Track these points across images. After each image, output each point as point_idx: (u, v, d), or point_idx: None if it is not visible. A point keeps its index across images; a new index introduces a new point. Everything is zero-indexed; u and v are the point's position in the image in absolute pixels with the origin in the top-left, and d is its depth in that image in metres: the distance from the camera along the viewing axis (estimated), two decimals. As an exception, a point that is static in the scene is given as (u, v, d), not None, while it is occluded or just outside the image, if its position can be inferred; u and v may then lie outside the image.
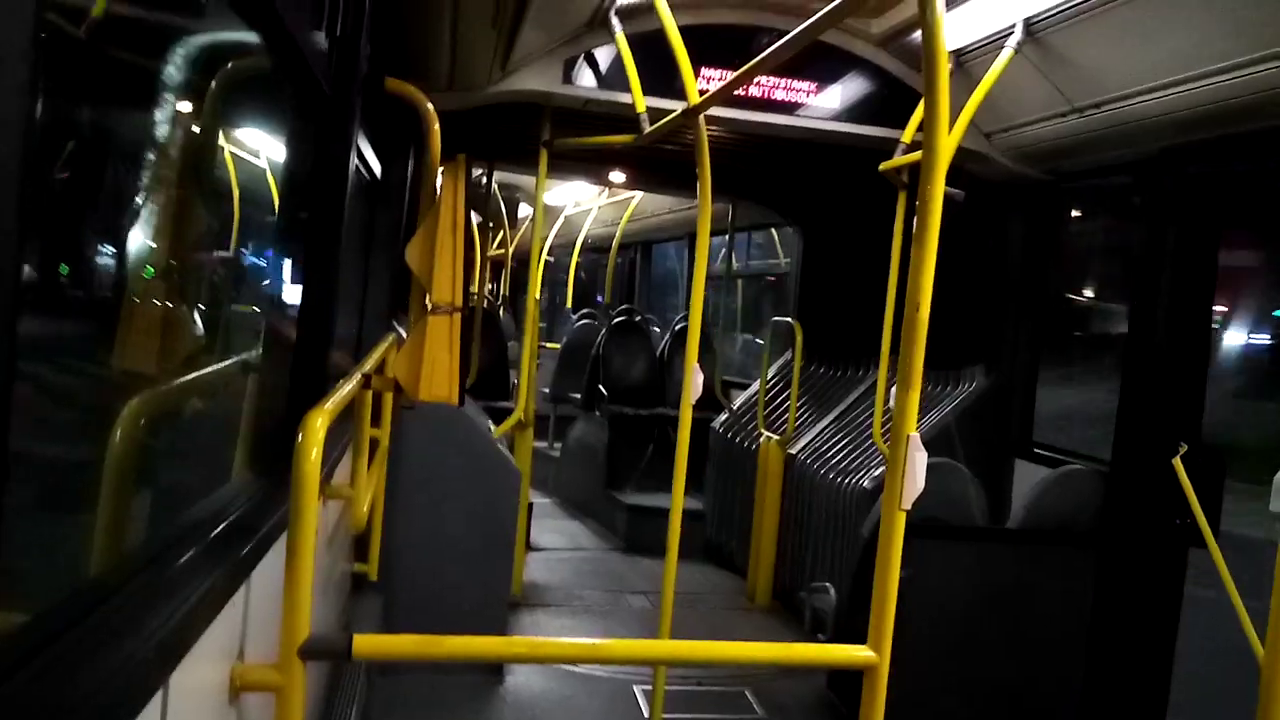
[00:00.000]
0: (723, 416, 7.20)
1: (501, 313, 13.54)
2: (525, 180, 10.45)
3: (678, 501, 3.71)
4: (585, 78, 4.73)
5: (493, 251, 12.98)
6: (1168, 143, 4.17)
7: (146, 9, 1.92)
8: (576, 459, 8.61)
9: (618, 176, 7.69)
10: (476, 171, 7.98)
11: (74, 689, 0.99)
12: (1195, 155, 4.16)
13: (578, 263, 13.45)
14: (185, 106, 2.11)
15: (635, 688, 4.61)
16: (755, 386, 6.92)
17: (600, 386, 8.42)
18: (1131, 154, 4.44)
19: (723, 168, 6.82)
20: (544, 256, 13.02)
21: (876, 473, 5.30)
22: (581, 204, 11.34)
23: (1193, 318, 4.36)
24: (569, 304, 14.53)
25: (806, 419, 6.44)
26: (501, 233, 12.81)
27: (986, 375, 5.49)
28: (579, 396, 8.98)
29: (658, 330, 9.75)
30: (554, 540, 7.39)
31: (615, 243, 11.64)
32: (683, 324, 8.47)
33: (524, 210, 12.95)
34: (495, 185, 10.18)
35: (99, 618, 1.15)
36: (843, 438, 5.95)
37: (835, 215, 6.89)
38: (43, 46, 0.66)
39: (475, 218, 10.02)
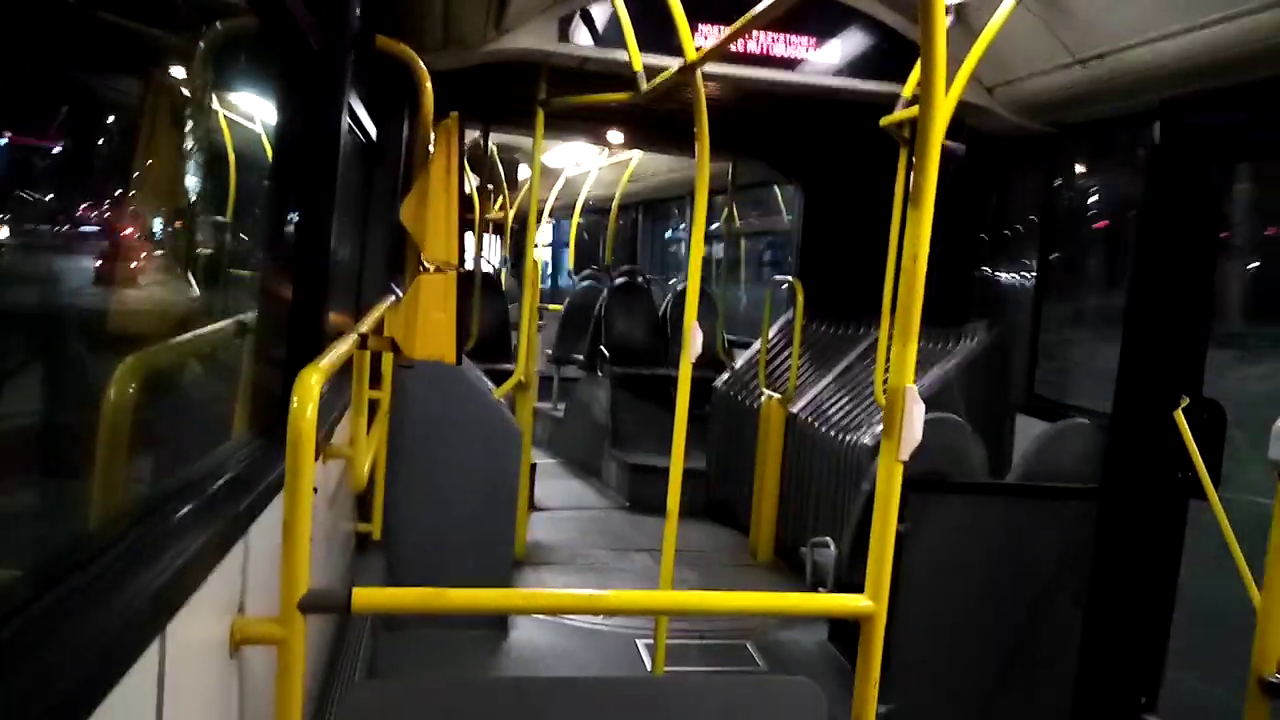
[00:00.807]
0: (724, 376, 7.22)
1: (504, 275, 13.50)
2: (525, 142, 10.36)
3: (677, 460, 3.74)
4: (582, 36, 4.68)
5: (493, 214, 12.91)
6: (1169, 93, 4.13)
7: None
8: (580, 420, 8.65)
9: (616, 136, 7.64)
10: (474, 133, 7.94)
11: (70, 636, 1.02)
12: (1196, 105, 4.12)
13: (579, 224, 13.40)
14: (175, 69, 2.10)
15: (638, 641, 4.68)
16: (757, 345, 6.93)
17: (602, 347, 8.44)
18: (1133, 104, 4.40)
19: (722, 125, 6.76)
20: (546, 218, 12.99)
21: (878, 429, 5.32)
22: (581, 165, 11.27)
23: (1194, 270, 4.34)
24: (571, 265, 14.50)
25: (808, 377, 6.45)
26: (501, 195, 12.74)
27: (989, 330, 5.48)
28: (581, 358, 9.00)
29: (660, 291, 9.76)
30: (558, 500, 7.46)
31: (615, 203, 11.59)
32: (684, 284, 8.46)
33: (524, 172, 12.85)
34: (495, 147, 10.13)
35: (95, 569, 1.17)
36: (844, 395, 5.97)
37: (837, 171, 6.85)
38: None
39: (474, 180, 9.98)
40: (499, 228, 14.64)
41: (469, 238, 11.35)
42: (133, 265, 1.91)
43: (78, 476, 1.52)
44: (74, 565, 1.15)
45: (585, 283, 10.57)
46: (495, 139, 9.44)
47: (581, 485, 8.07)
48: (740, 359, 7.39)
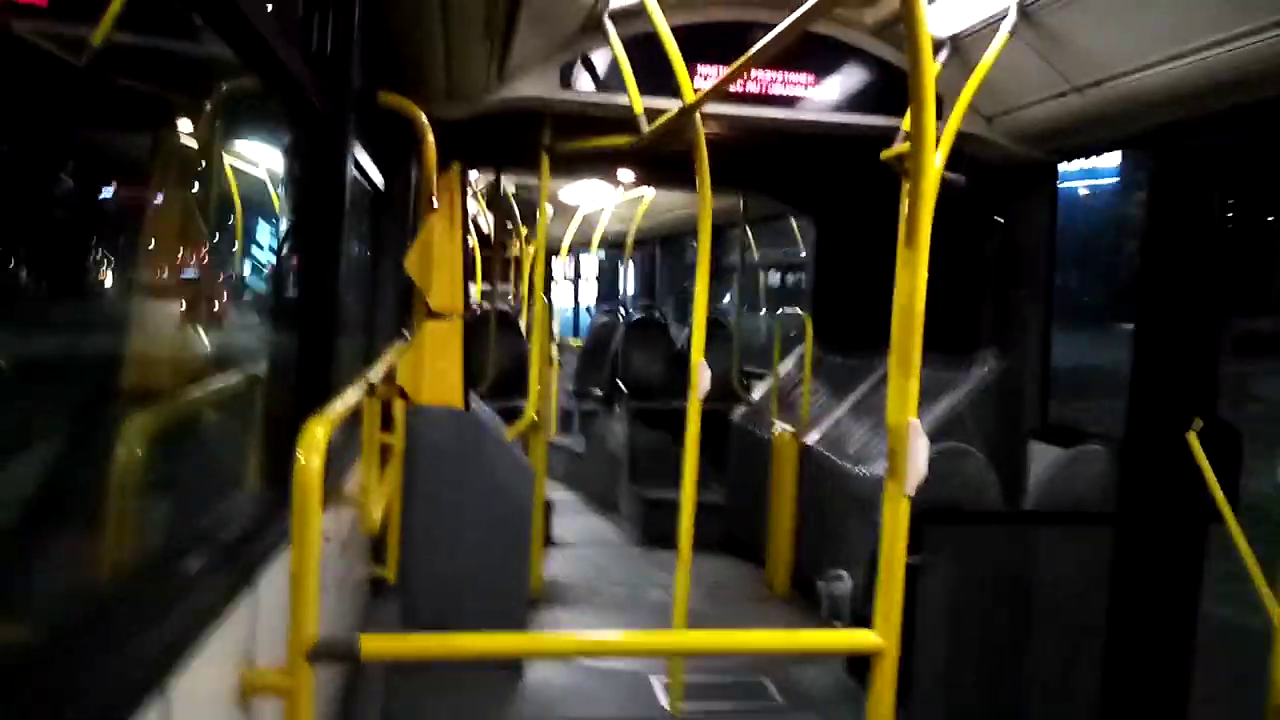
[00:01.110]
0: (740, 409, 7.22)
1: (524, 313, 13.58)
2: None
3: (688, 494, 3.76)
4: (583, 81, 4.77)
5: (513, 252, 13.06)
6: (1168, 118, 4.16)
7: (143, 37, 1.98)
8: (599, 455, 8.67)
9: (627, 175, 7.72)
10: (490, 176, 8.04)
11: (77, 692, 1.04)
12: (1197, 129, 4.15)
13: (599, 260, 13.50)
14: (184, 125, 2.17)
15: (653, 679, 4.65)
16: (769, 380, 6.94)
17: (619, 382, 8.47)
18: (1132, 131, 4.42)
19: (730, 161, 6.82)
20: (564, 254, 13.10)
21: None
22: (598, 202, 11.38)
23: (1203, 291, 4.34)
24: (589, 301, 14.59)
25: (823, 408, 6.45)
26: (516, 235, 12.85)
27: (998, 358, 5.48)
28: (600, 392, 9.04)
29: (678, 325, 9.81)
30: (576, 536, 7.45)
31: (629, 239, 11.68)
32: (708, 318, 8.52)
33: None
34: (514, 187, 10.27)
35: (101, 622, 1.20)
36: (858, 426, 5.96)
37: (848, 205, 6.88)
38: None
39: (490, 220, 10.10)
40: (519, 265, 14.82)
41: (476, 279, 11.53)
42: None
43: (87, 531, 1.56)
44: (82, 621, 1.18)
45: (604, 318, 10.64)
46: (516, 179, 9.59)
47: (601, 520, 8.06)
48: (757, 392, 7.40)
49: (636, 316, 9.08)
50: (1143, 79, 3.98)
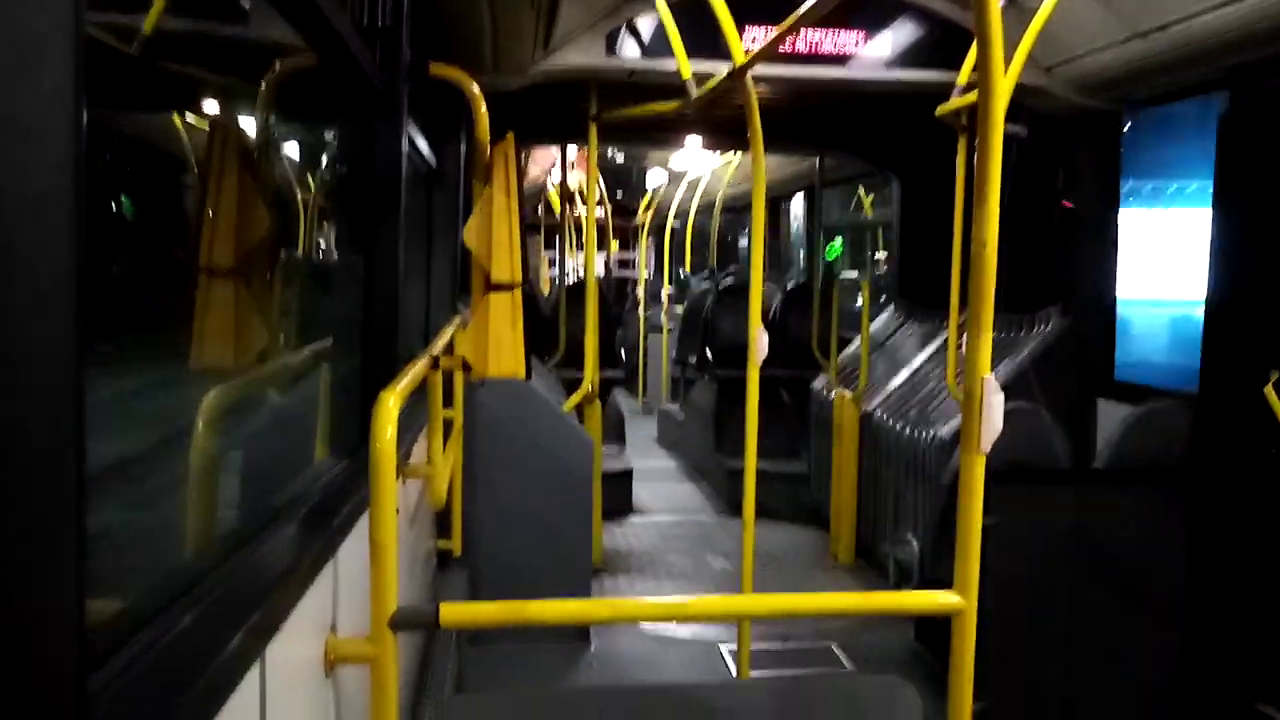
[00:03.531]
0: (822, 376, 7.13)
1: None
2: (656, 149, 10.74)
3: (750, 461, 3.74)
4: (629, 48, 4.72)
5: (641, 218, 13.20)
6: (1236, 60, 3.99)
7: (195, 20, 1.99)
8: (695, 423, 8.70)
9: (695, 141, 7.65)
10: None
11: (178, 662, 1.06)
12: (1267, 70, 3.97)
13: (695, 226, 13.45)
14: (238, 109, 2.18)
15: (721, 646, 4.66)
16: (856, 344, 6.78)
17: (707, 350, 8.45)
18: (1200, 75, 4.26)
19: (805, 122, 6.70)
20: (671, 220, 13.17)
21: (954, 421, 5.23)
22: (702, 167, 11.37)
23: (1276, 239, 4.18)
24: (687, 268, 14.57)
25: (892, 373, 6.34)
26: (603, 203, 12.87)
27: (1062, 315, 5.35)
28: (694, 360, 9.05)
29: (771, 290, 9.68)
30: (662, 504, 7.50)
31: (717, 203, 11.58)
32: (794, 282, 8.44)
33: (653, 178, 13.09)
34: (621, 157, 10.33)
35: (196, 596, 1.21)
36: (921, 388, 5.88)
37: (930, 162, 6.72)
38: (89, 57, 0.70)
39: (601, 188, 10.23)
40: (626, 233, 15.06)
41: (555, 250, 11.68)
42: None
43: (175, 505, 1.59)
44: (178, 593, 1.20)
45: (703, 285, 10.62)
46: (621, 147, 9.57)
47: (691, 488, 8.11)
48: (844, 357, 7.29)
49: (726, 283, 9.01)
50: (1211, 19, 3.82)
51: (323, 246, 3.40)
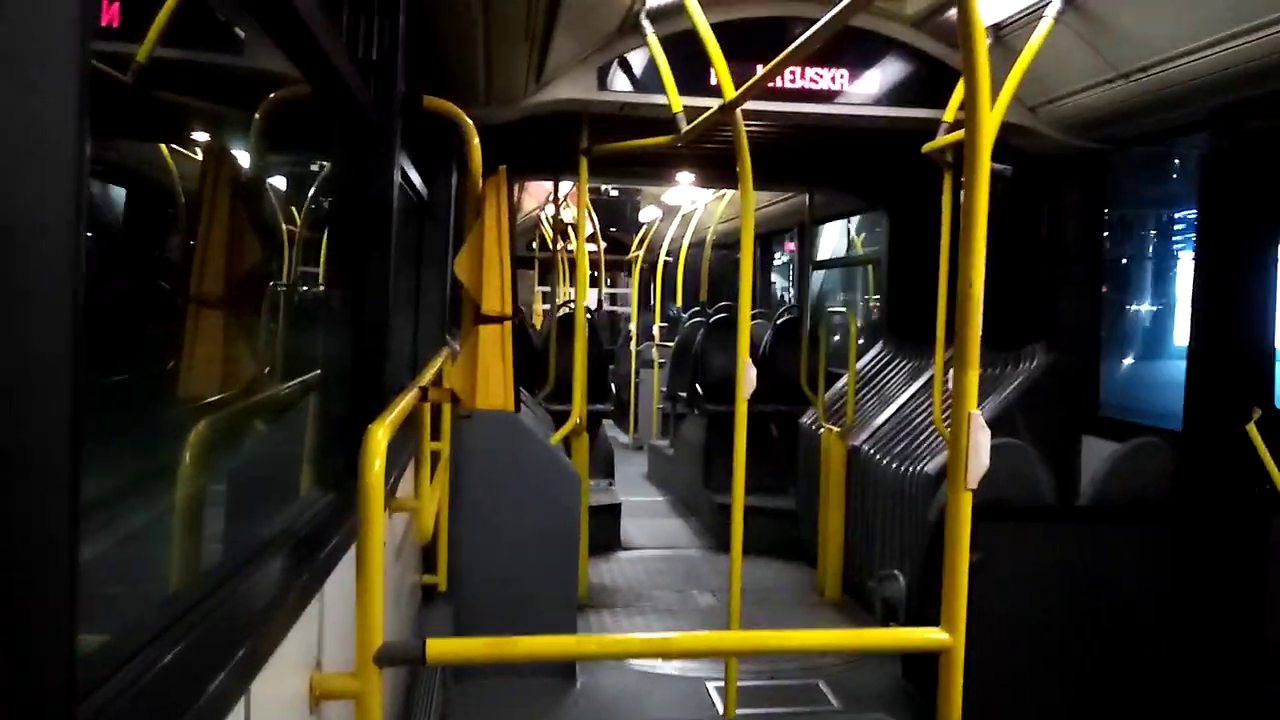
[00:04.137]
0: (811, 411, 7.13)
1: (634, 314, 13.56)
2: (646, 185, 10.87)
3: (738, 496, 3.73)
4: (620, 82, 4.76)
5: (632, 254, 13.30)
6: (1219, 101, 4.06)
7: (189, 51, 1.99)
8: (685, 457, 8.66)
9: (686, 177, 7.69)
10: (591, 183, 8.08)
11: (162, 696, 1.04)
12: (1250, 111, 4.05)
13: (686, 261, 13.53)
14: (229, 139, 2.18)
15: (708, 684, 4.62)
16: (844, 380, 6.79)
17: (696, 385, 8.44)
18: (1183, 116, 4.33)
19: (796, 156, 6.74)
20: (664, 256, 13.26)
21: (940, 458, 5.23)
22: (696, 202, 11.46)
23: (1260, 277, 4.23)
24: (678, 303, 14.61)
25: (880, 409, 6.35)
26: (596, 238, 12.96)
27: (1047, 352, 5.38)
28: (684, 395, 9.02)
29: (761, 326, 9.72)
30: (649, 539, 7.45)
31: (709, 240, 11.67)
32: (785, 317, 8.46)
33: (645, 214, 13.17)
34: (615, 191, 10.42)
35: (179, 631, 1.19)
36: (908, 424, 5.89)
37: (918, 198, 6.77)
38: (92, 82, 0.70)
39: (594, 223, 10.31)
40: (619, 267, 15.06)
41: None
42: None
43: (161, 536, 1.56)
44: (162, 627, 1.18)
45: (693, 320, 10.64)
46: (614, 182, 9.64)
47: (680, 524, 8.06)
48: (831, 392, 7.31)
49: (716, 317, 9.03)
50: (1195, 63, 3.89)
51: (307, 277, 3.39)
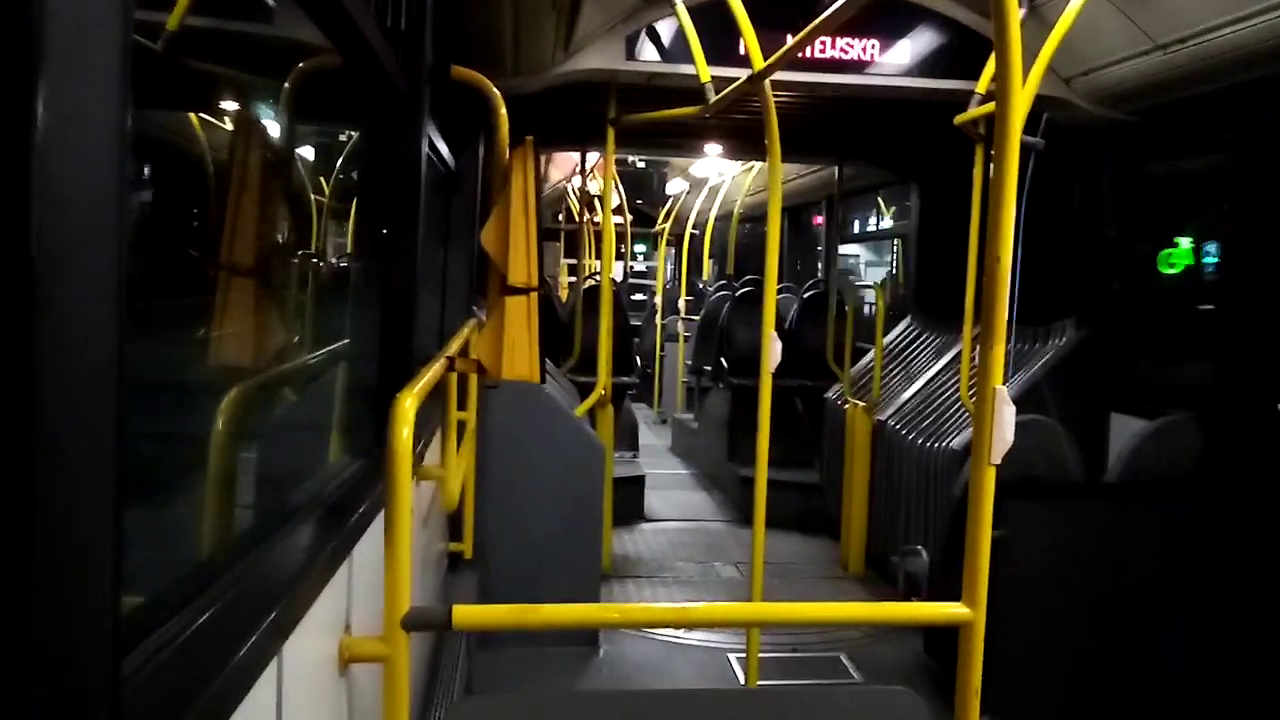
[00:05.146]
0: (837, 386, 7.11)
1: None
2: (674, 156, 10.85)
3: (761, 469, 3.73)
4: (648, 52, 4.72)
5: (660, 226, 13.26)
6: (1259, 74, 3.97)
7: (219, 19, 2.00)
8: (710, 431, 8.69)
9: (713, 148, 7.64)
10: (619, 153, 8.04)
11: (197, 658, 1.07)
12: None
13: (713, 235, 13.48)
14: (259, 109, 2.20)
15: (730, 655, 4.66)
16: (870, 355, 6.77)
17: (721, 359, 8.44)
18: (1221, 87, 4.24)
19: (824, 130, 6.66)
20: (690, 229, 13.25)
21: (966, 434, 5.21)
22: (723, 174, 11.38)
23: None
24: (704, 276, 14.56)
25: (906, 384, 6.32)
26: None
27: (1078, 328, 5.33)
28: (710, 369, 9.03)
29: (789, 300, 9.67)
30: (673, 511, 7.49)
31: (735, 212, 11.60)
32: (813, 291, 8.42)
33: (673, 186, 13.09)
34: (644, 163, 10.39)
35: (214, 593, 1.22)
36: (934, 399, 5.86)
37: (949, 170, 6.69)
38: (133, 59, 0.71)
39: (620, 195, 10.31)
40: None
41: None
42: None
43: (196, 503, 1.59)
44: (197, 590, 1.21)
45: (719, 294, 10.62)
46: (642, 154, 9.59)
47: (703, 497, 8.10)
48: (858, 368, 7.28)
49: (743, 290, 9.00)
50: (1235, 34, 3.80)
51: (336, 247, 3.42)
